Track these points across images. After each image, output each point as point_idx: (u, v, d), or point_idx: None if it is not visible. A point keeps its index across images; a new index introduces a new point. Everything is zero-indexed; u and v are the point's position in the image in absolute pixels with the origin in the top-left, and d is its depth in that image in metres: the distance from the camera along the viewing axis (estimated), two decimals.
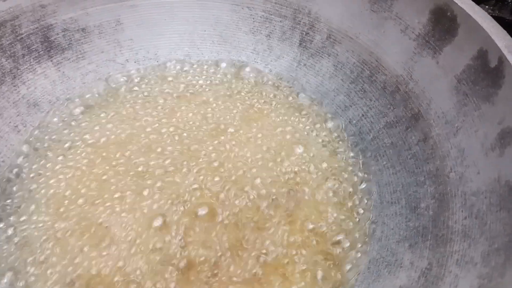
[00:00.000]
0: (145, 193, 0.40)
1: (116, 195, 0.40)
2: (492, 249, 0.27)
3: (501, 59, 0.31)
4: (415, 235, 0.35)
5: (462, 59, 0.35)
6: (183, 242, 0.37)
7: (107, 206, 0.39)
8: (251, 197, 0.40)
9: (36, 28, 0.46)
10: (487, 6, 0.53)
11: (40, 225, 0.38)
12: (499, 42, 0.32)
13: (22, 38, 0.45)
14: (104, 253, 0.36)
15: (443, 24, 0.37)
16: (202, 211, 0.38)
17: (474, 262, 0.28)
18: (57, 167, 0.42)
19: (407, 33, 0.40)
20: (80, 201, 0.39)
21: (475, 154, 0.33)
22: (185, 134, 0.44)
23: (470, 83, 0.34)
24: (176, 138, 0.44)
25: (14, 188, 0.41)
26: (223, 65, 0.52)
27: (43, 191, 0.40)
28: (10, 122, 0.44)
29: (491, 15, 0.36)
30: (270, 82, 0.50)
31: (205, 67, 0.52)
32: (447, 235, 0.32)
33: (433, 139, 0.37)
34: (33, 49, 0.46)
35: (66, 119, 0.46)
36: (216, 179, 0.41)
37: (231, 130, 0.45)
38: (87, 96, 0.48)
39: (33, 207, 0.39)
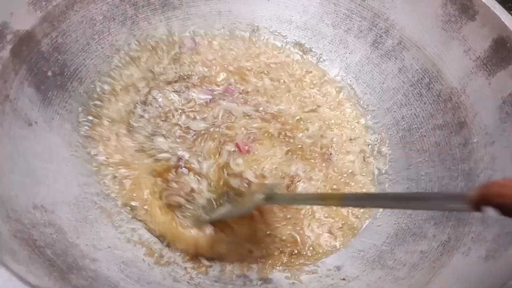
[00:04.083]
0: None
1: None
2: (503, 232, 0.35)
3: None
4: (441, 216, 0.43)
5: (511, 85, 0.42)
6: None
7: None
8: None
9: None
10: None
11: None
12: None
13: None
14: None
15: (502, 53, 0.44)
16: None
17: (486, 240, 0.36)
18: None
19: (469, 54, 0.47)
20: None
21: (503, 163, 0.41)
22: None
23: None
24: None
25: None
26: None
27: None
28: (122, 59, 0.53)
29: None
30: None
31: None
32: (467, 219, 0.40)
33: (471, 145, 0.45)
34: (151, 2, 0.54)
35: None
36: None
37: None
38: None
39: None
